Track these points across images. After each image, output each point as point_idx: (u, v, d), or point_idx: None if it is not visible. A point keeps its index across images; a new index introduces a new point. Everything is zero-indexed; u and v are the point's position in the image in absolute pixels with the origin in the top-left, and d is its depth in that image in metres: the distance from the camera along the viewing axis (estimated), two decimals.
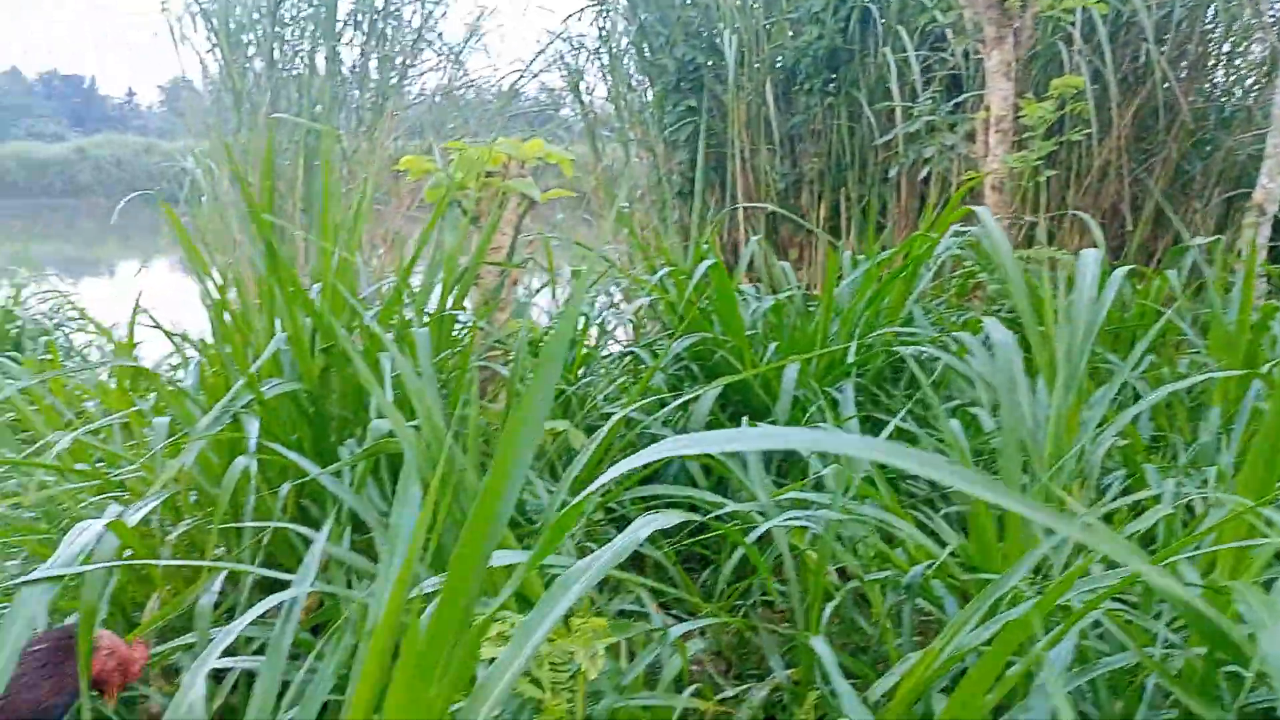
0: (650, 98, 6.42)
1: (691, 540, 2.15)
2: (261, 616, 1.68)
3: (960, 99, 4.92)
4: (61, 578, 1.15)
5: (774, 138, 5.69)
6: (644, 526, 0.94)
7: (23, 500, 1.77)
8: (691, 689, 1.29)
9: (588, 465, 1.53)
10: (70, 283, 7.28)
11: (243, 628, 1.12)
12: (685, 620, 1.50)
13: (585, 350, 2.56)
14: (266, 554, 1.74)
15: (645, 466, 2.28)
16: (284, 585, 1.87)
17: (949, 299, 3.41)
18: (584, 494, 0.77)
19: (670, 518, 0.98)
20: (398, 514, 1.16)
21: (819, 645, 1.19)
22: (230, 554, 1.74)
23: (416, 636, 0.72)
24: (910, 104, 4.90)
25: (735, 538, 1.22)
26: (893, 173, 5.05)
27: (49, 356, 4.23)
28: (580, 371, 2.48)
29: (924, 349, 2.27)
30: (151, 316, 2.34)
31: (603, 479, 0.73)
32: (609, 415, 2.47)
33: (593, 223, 7.25)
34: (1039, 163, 3.63)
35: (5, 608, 1.76)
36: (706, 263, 2.57)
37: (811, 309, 3.51)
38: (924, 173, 4.88)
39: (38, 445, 2.02)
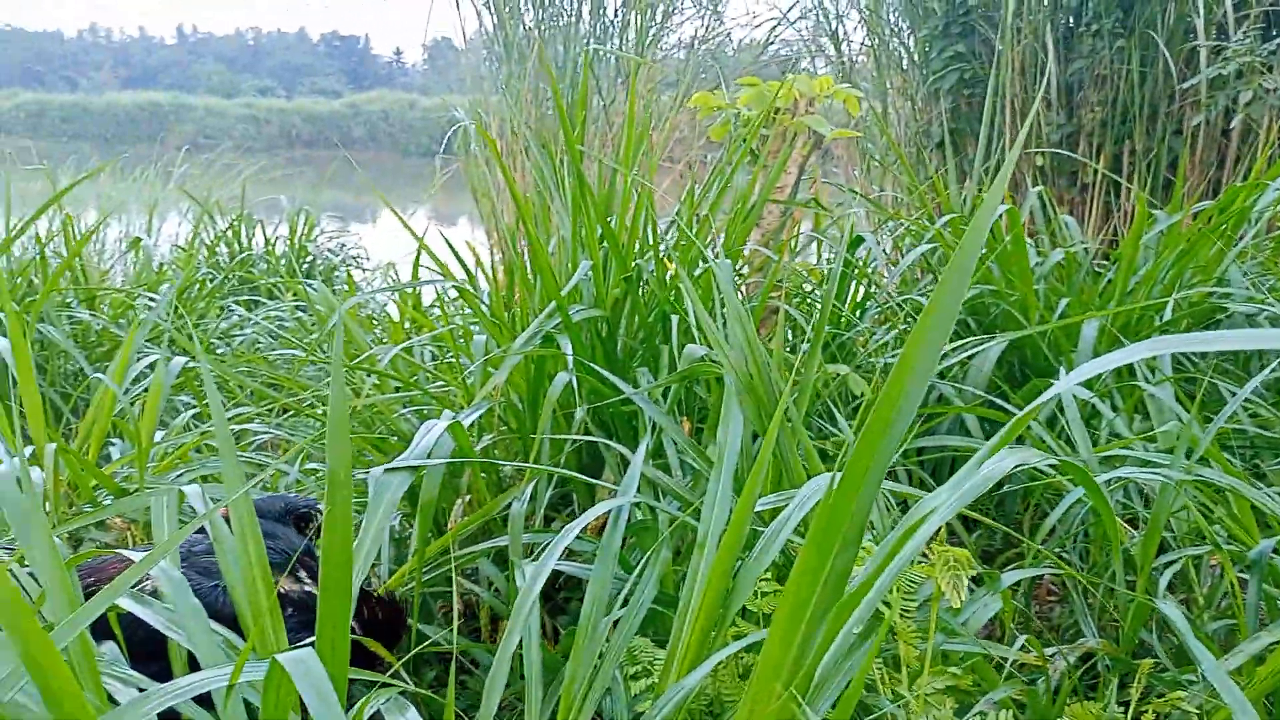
0: (913, 44, 6.13)
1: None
2: (547, 527, 1.78)
3: None
4: (414, 468, 1.25)
5: (1050, 86, 5.27)
6: (1005, 459, 0.89)
7: (352, 405, 1.95)
8: (1020, 640, 1.23)
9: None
10: (341, 227, 7.98)
11: (572, 536, 1.16)
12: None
13: (862, 294, 2.50)
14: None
15: (922, 419, 2.20)
16: (569, 502, 1.97)
17: (1265, 260, 3.04)
18: None
19: (1028, 454, 0.92)
20: (723, 431, 1.17)
21: (1169, 609, 1.10)
22: (526, 473, 1.84)
23: (826, 519, 0.71)
24: (1221, 43, 4.38)
25: (1085, 481, 1.14)
26: (1195, 121, 4.55)
27: (345, 287, 4.66)
28: (857, 315, 2.42)
29: (1262, 308, 2.03)
30: (450, 243, 2.49)
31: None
32: (887, 365, 2.41)
33: (840, 173, 7.05)
34: None
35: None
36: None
37: (1099, 268, 3.25)
38: (1233, 122, 4.36)
39: (358, 359, 2.22)
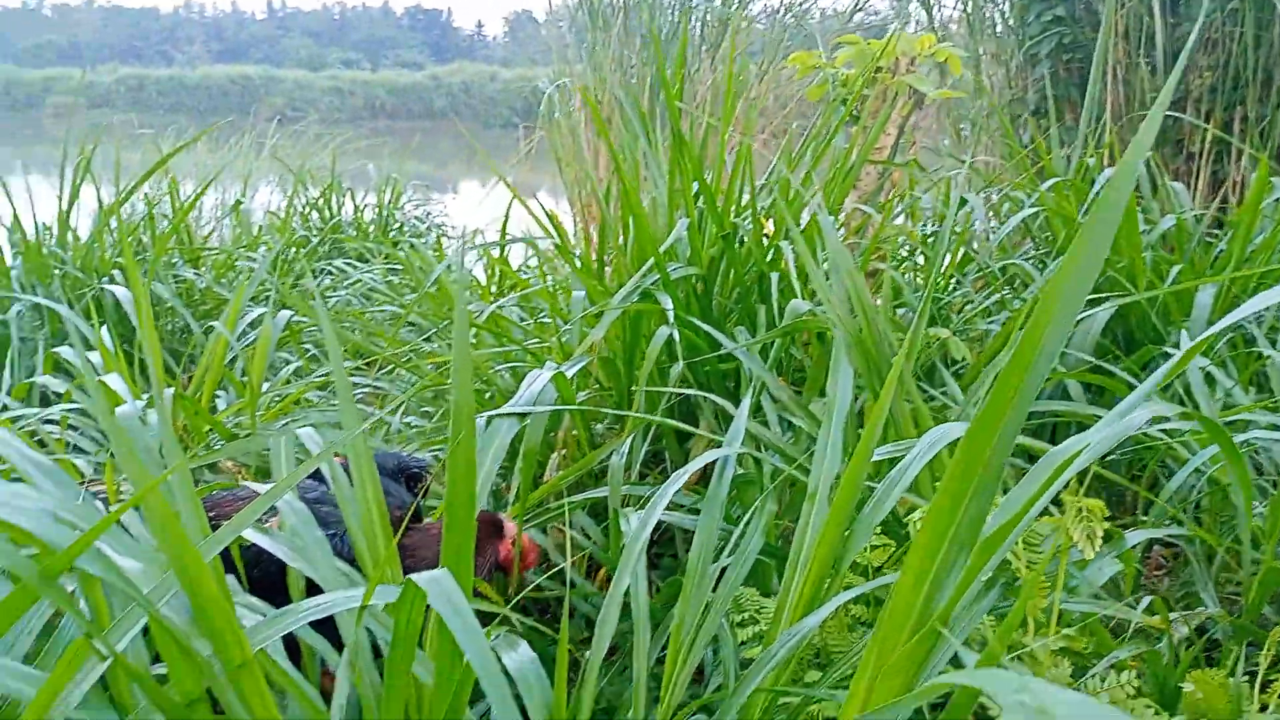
0: (1008, 8, 5.93)
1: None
2: (641, 481, 1.79)
3: None
4: (520, 415, 1.26)
5: (1155, 50, 5.05)
6: (1140, 414, 0.86)
7: (448, 359, 1.99)
8: (1145, 601, 1.20)
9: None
10: (425, 196, 8.11)
11: (679, 484, 1.16)
12: None
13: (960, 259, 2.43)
14: (655, 428, 1.82)
15: None
16: (661, 460, 1.97)
17: None
18: None
19: (1162, 407, 0.89)
20: (832, 384, 1.16)
21: None
22: (626, 425, 1.85)
23: (967, 460, 0.69)
24: None
25: (1221, 439, 1.08)
26: None
27: (435, 251, 4.75)
28: (954, 280, 2.36)
29: None
30: (544, 206, 2.51)
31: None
32: (987, 331, 2.35)
33: (928, 142, 6.88)
34: None
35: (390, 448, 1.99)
36: (1108, 172, 2.34)
37: (1208, 238, 3.13)
38: None
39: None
